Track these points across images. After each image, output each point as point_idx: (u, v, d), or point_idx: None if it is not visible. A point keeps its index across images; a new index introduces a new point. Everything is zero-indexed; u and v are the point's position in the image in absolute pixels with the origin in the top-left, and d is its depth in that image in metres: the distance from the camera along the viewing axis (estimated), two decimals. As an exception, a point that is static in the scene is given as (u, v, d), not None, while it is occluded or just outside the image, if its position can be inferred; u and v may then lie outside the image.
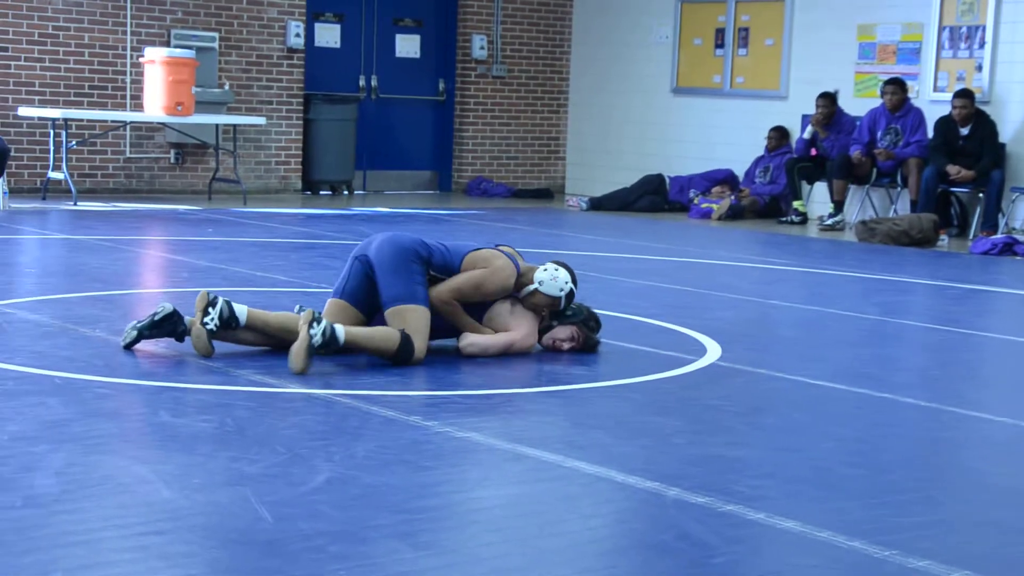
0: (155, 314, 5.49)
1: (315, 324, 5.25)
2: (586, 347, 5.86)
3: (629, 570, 3.28)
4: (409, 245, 5.61)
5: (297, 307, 5.80)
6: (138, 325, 5.52)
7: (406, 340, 5.42)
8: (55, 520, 3.41)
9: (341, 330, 5.34)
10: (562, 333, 5.82)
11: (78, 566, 3.10)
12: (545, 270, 5.75)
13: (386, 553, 3.27)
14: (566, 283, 5.75)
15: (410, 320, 5.47)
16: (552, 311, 5.80)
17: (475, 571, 3.20)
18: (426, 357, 5.55)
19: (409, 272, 5.54)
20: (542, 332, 5.84)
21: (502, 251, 5.75)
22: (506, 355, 5.69)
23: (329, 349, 5.32)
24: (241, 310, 5.46)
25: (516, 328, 5.71)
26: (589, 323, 5.85)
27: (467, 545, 3.41)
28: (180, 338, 5.52)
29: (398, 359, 5.43)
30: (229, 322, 5.43)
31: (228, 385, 5.00)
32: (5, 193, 11.63)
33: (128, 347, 5.53)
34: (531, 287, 5.72)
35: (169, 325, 5.48)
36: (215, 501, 3.61)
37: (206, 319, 5.39)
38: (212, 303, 5.39)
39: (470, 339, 5.66)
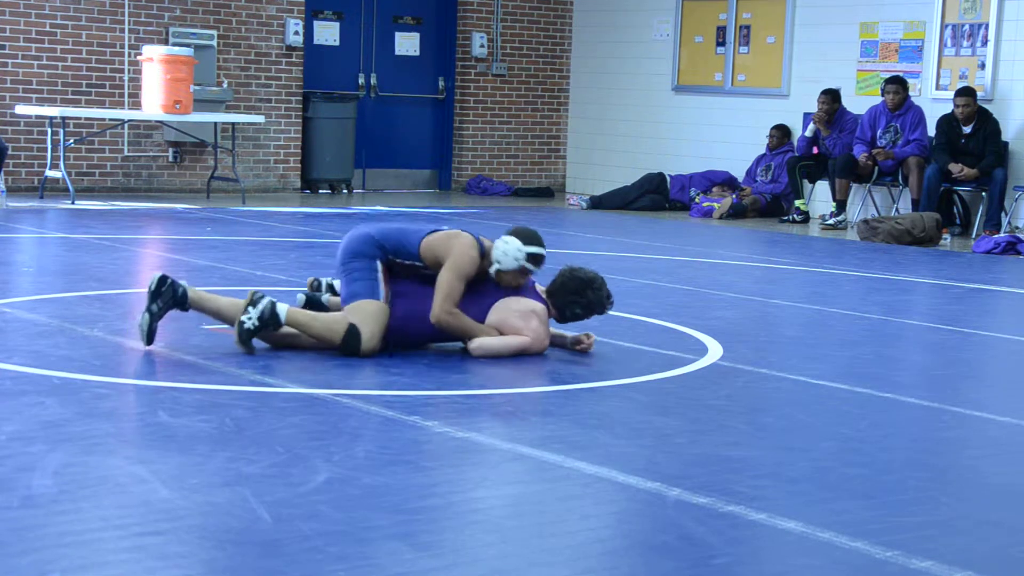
0: (149, 287, 5.47)
1: (251, 308, 5.39)
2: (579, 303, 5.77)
3: (630, 571, 3.25)
4: (352, 245, 5.62)
5: (301, 297, 5.88)
6: (144, 310, 5.48)
7: (352, 330, 5.45)
8: (53, 520, 3.39)
9: (283, 309, 5.44)
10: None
11: (76, 566, 3.08)
12: (496, 248, 5.67)
13: (386, 554, 3.25)
14: (519, 249, 5.62)
15: (363, 309, 5.50)
16: (551, 297, 5.75)
17: (475, 571, 3.18)
18: (431, 355, 5.52)
19: (362, 270, 5.55)
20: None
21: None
22: (515, 357, 5.64)
23: (269, 329, 5.45)
24: (282, 309, 5.47)
25: (527, 332, 5.65)
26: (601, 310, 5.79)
27: (467, 545, 3.39)
28: (183, 305, 5.50)
29: (344, 349, 5.47)
30: (269, 322, 5.43)
31: (227, 385, 4.98)
32: (3, 192, 11.61)
33: (149, 340, 5.46)
34: (492, 269, 5.64)
35: (169, 291, 5.45)
36: (213, 501, 3.59)
37: (244, 317, 5.41)
38: (255, 302, 5.42)
39: (479, 341, 5.61)
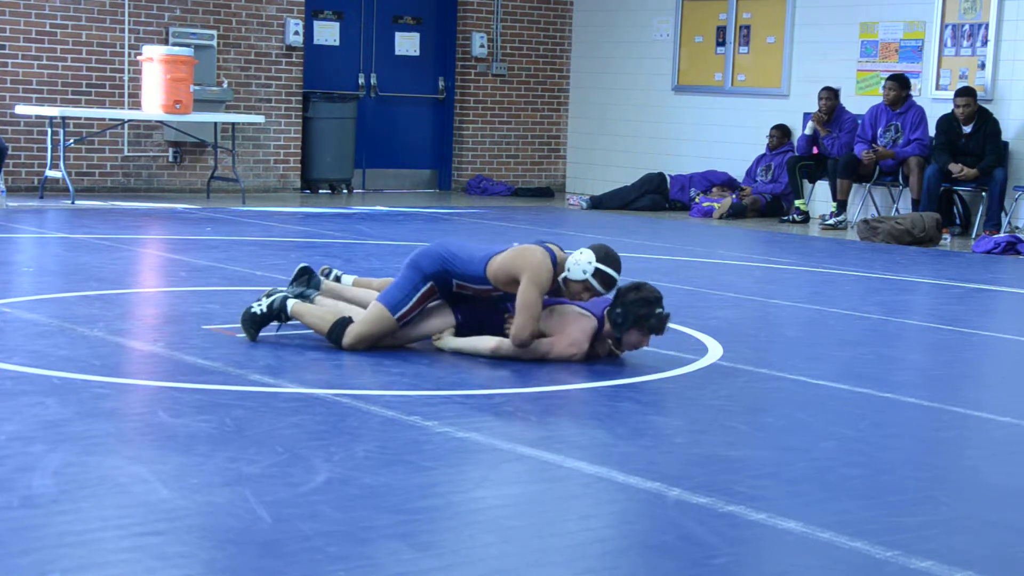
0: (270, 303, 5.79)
1: (264, 299, 5.77)
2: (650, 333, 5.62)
3: (630, 571, 3.25)
4: (417, 257, 5.69)
5: (322, 271, 6.22)
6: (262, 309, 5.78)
7: (343, 321, 5.69)
8: (52, 520, 3.39)
9: (291, 304, 5.76)
10: (631, 337, 5.59)
11: (76, 566, 3.08)
12: (571, 257, 5.61)
13: (385, 554, 3.25)
14: (589, 263, 5.52)
15: (371, 313, 5.69)
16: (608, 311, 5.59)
17: (475, 571, 3.18)
18: (431, 355, 5.52)
19: (406, 279, 5.65)
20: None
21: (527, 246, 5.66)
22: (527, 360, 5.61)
23: (273, 319, 5.76)
24: (291, 304, 5.77)
25: (555, 336, 5.58)
26: (645, 321, 5.50)
27: (467, 545, 3.39)
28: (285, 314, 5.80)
29: (329, 336, 5.71)
30: (277, 313, 5.76)
31: (227, 385, 4.98)
32: (3, 192, 11.61)
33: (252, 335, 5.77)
34: (560, 276, 5.59)
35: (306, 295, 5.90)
36: (213, 501, 3.59)
37: (255, 303, 5.77)
38: (271, 295, 5.79)
39: (496, 343, 5.62)
